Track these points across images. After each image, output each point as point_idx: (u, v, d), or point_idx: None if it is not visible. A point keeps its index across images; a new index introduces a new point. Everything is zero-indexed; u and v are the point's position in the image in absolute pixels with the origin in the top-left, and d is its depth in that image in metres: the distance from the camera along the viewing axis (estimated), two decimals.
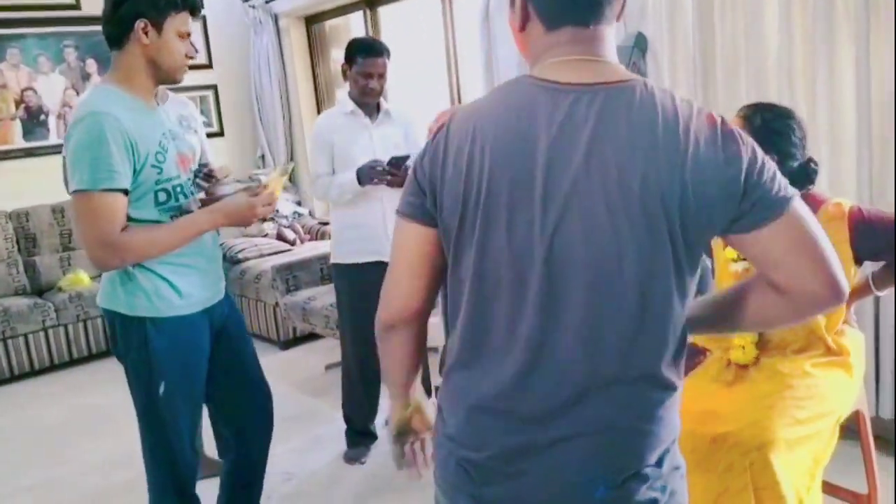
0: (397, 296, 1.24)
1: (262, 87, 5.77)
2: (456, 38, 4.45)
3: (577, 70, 1.08)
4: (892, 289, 2.16)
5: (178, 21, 1.90)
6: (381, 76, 2.98)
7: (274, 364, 4.46)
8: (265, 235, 5.49)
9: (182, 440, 2.13)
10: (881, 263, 2.01)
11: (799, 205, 1.06)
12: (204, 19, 5.67)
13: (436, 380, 3.34)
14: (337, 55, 5.56)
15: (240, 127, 5.94)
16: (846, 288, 1.07)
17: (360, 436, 3.23)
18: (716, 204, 1.03)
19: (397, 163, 2.87)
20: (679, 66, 3.11)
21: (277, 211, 5.72)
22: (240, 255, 5.00)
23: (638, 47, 3.21)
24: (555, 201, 1.05)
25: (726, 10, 2.92)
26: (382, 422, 3.40)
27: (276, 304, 4.53)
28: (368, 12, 5.03)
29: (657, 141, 1.01)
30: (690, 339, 2.25)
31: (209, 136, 5.78)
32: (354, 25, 5.37)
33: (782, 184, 1.06)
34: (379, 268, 3.17)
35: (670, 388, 1.15)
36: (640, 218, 1.02)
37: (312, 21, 5.62)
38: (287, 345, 4.71)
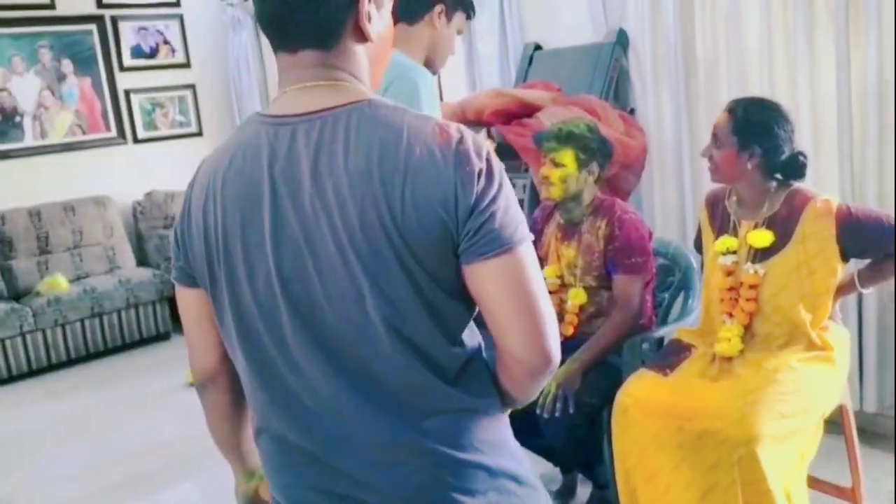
0: (193, 356, 1.18)
1: (242, 87, 5.72)
2: None
3: (300, 98, 1.01)
4: (877, 286, 2.17)
5: (461, 18, 2.06)
6: None
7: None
8: None
9: None
10: (867, 261, 2.01)
11: (526, 252, 0.98)
12: (181, 18, 5.62)
13: None
14: None
15: (219, 127, 5.87)
16: (556, 358, 1.00)
17: None
18: (438, 226, 0.94)
19: None
20: (661, 62, 3.11)
21: None
22: None
23: (619, 44, 3.20)
24: (286, 247, 0.98)
25: (707, 6, 2.93)
26: None
27: None
28: None
29: (372, 166, 0.94)
30: (674, 334, 2.27)
31: (187, 136, 5.76)
32: None
33: (516, 222, 0.97)
34: None
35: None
36: (368, 252, 0.95)
37: None
38: None
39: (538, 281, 0.99)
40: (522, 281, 0.97)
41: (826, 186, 2.66)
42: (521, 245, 0.97)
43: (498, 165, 0.98)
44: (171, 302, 5.08)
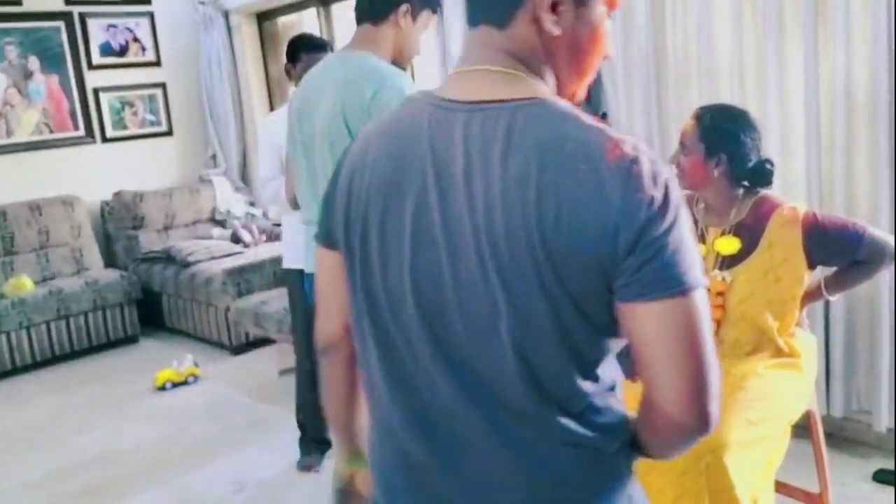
0: (320, 318, 1.15)
1: (213, 86, 5.65)
2: None
3: (471, 83, 0.93)
4: (843, 293, 2.18)
5: (427, 17, 2.07)
6: None
7: (225, 370, 4.38)
8: (216, 238, 5.38)
9: None
10: (833, 268, 2.02)
11: (698, 300, 0.85)
12: (151, 16, 5.55)
13: None
14: (304, 55, 5.46)
15: (189, 126, 5.80)
16: (715, 422, 0.89)
17: (314, 443, 3.16)
18: (591, 256, 0.84)
19: None
20: (632, 66, 3.11)
21: (229, 212, 5.63)
22: (189, 259, 4.87)
23: None
24: (424, 245, 0.92)
25: (678, 12, 2.93)
26: None
27: (228, 308, 4.43)
28: (322, 10, 4.95)
29: (529, 173, 0.85)
30: None
31: (157, 135, 5.69)
32: (307, 23, 5.29)
33: (688, 264, 0.84)
34: None
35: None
36: (509, 265, 0.86)
37: (264, 18, 5.52)
38: (239, 350, 4.61)
39: (707, 333, 0.86)
40: (689, 331, 0.85)
41: (794, 192, 2.68)
42: (694, 291, 0.84)
43: (676, 194, 0.85)
44: (140, 304, 5.04)
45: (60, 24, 5.18)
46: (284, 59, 3.04)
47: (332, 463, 3.09)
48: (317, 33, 5.07)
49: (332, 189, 1.04)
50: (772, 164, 2.00)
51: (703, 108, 2.03)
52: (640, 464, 1.92)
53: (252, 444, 3.38)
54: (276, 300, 4.00)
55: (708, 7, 2.80)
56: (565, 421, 0.92)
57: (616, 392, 0.99)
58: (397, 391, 0.99)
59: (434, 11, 2.11)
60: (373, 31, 2.04)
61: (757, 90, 2.75)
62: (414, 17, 2.03)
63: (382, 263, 0.96)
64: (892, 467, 2.54)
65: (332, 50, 2.97)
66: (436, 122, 0.93)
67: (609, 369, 0.96)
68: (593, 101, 3.27)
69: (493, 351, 0.90)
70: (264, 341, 4.53)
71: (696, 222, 2.08)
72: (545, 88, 0.94)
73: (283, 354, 4.13)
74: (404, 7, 2.00)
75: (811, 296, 2.03)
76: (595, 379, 0.94)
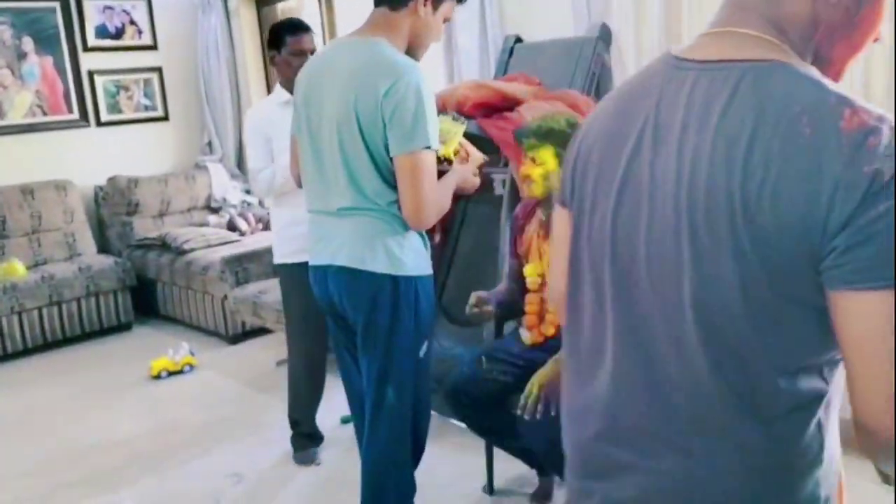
0: (551, 276, 1.18)
1: (210, 70, 5.57)
2: None
3: (712, 44, 0.91)
4: None
5: (449, 7, 2.01)
6: (314, 52, 2.86)
7: (222, 359, 4.33)
8: (212, 225, 5.31)
9: (429, 399, 2.19)
10: None
11: None
12: None
13: None
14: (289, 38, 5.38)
15: (185, 111, 5.72)
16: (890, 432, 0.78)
17: (307, 438, 3.10)
18: (796, 227, 0.77)
19: None
20: (645, 58, 3.06)
21: (225, 199, 5.56)
22: (185, 246, 4.81)
23: (602, 39, 3.15)
24: (629, 195, 0.91)
25: (694, 5, 2.88)
26: (338, 420, 3.30)
27: (225, 297, 4.38)
28: None
29: (743, 132, 0.80)
30: None
31: (153, 120, 5.60)
32: (308, 9, 5.21)
33: None
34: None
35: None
36: (703, 225, 0.82)
37: (263, 3, 5.43)
38: (235, 339, 4.55)
39: None
40: None
41: None
42: None
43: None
44: (134, 291, 4.97)
45: (55, 4, 5.08)
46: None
47: (329, 456, 3.06)
48: (317, 20, 5.00)
49: (570, 147, 1.06)
50: None
51: None
52: None
53: (250, 434, 3.33)
54: (275, 290, 3.91)
55: None
56: (753, 426, 0.85)
57: (824, 407, 0.87)
58: (587, 342, 1.01)
59: (459, 1, 2.04)
60: (390, 16, 1.96)
61: None
62: (435, 5, 1.97)
63: (591, 211, 0.96)
64: None
65: (331, 36, 2.89)
66: (667, 80, 0.91)
67: (821, 378, 0.85)
68: (601, 93, 3.22)
69: (672, 314, 0.86)
70: (261, 331, 4.48)
71: None
72: (794, 55, 0.87)
73: (280, 344, 4.06)
74: None
75: None
76: (800, 381, 0.84)
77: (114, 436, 3.44)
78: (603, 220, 0.94)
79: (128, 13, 5.40)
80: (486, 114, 2.92)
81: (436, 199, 1.94)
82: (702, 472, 0.88)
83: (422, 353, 2.07)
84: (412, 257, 2.00)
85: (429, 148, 1.88)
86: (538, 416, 2.12)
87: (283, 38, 2.83)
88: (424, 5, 1.94)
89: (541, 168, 2.23)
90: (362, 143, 1.91)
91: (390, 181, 1.95)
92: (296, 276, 2.88)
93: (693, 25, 2.89)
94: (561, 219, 1.08)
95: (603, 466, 0.99)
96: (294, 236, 2.86)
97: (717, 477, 0.88)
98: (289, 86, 2.85)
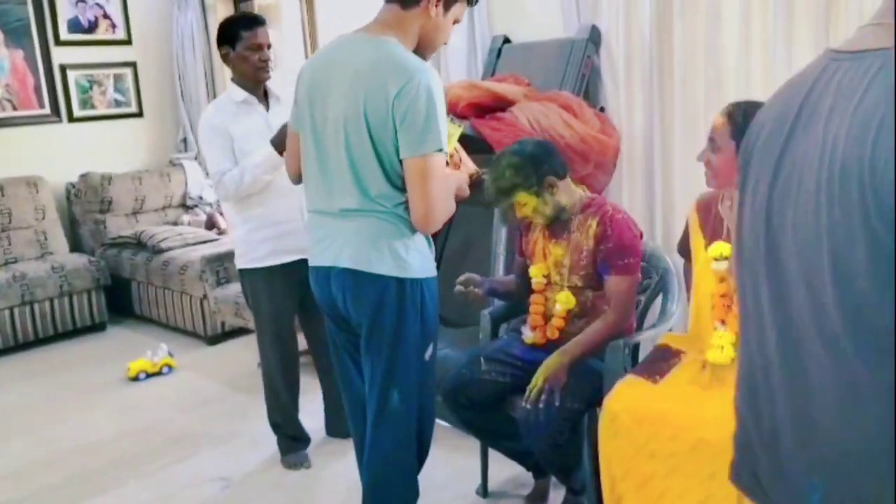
0: None
1: (186, 66, 5.48)
2: None
3: (865, 35, 0.95)
4: None
5: (460, 8, 1.99)
6: (270, 47, 2.81)
7: (201, 360, 4.26)
8: (188, 224, 5.22)
9: (433, 402, 2.17)
10: None
11: None
12: None
13: None
14: (245, 33, 5.30)
15: (160, 107, 5.63)
16: None
17: (292, 440, 3.06)
18: None
19: None
20: (635, 62, 3.08)
21: (201, 198, 5.47)
22: (162, 245, 4.72)
23: (592, 41, 3.16)
24: (782, 175, 0.99)
25: (686, 8, 2.90)
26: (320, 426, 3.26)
27: (205, 296, 4.31)
28: None
29: (873, 117, 0.86)
30: (661, 339, 2.24)
31: (126, 116, 5.49)
32: (287, 5, 5.15)
33: None
34: (304, 266, 2.98)
35: None
36: (838, 208, 0.88)
37: None
38: (215, 340, 4.48)
39: None
40: None
41: None
42: None
43: None
44: (108, 290, 4.86)
45: None
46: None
47: (318, 458, 3.02)
48: (297, 17, 4.95)
49: (748, 131, 1.11)
50: None
51: (733, 104, 2.01)
52: (663, 464, 1.91)
53: (235, 436, 3.28)
54: None
55: (716, 4, 2.78)
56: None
57: None
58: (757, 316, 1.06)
59: (470, 3, 2.02)
60: (401, 14, 1.93)
61: (763, 87, 2.74)
62: (447, 6, 1.94)
63: (753, 189, 1.04)
64: None
65: (312, 33, 2.83)
66: (821, 70, 0.98)
67: None
68: (591, 95, 3.24)
69: (815, 277, 0.92)
70: (241, 331, 4.42)
71: (722, 221, 2.06)
72: None
73: None
74: None
75: None
76: None
77: (94, 438, 3.37)
78: (762, 195, 1.02)
79: (101, 7, 5.29)
80: (478, 114, 2.91)
81: (444, 202, 1.92)
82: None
83: (427, 356, 2.04)
84: (418, 259, 1.97)
85: (440, 150, 1.86)
86: (541, 405, 2.13)
87: (237, 33, 2.75)
88: (436, 6, 1.92)
89: (527, 207, 2.28)
90: (370, 144, 1.88)
91: (397, 183, 1.92)
92: (265, 281, 2.84)
93: (685, 26, 2.91)
94: None
95: None
96: (263, 239, 2.80)
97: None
98: (244, 83, 2.80)
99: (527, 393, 2.18)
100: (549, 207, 2.28)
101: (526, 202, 2.26)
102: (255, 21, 2.81)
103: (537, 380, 2.18)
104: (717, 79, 2.83)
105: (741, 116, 1.93)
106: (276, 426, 3.06)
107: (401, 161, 1.88)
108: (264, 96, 2.87)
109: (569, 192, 2.33)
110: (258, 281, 2.86)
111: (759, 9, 2.71)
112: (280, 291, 2.86)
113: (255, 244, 2.81)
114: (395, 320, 1.96)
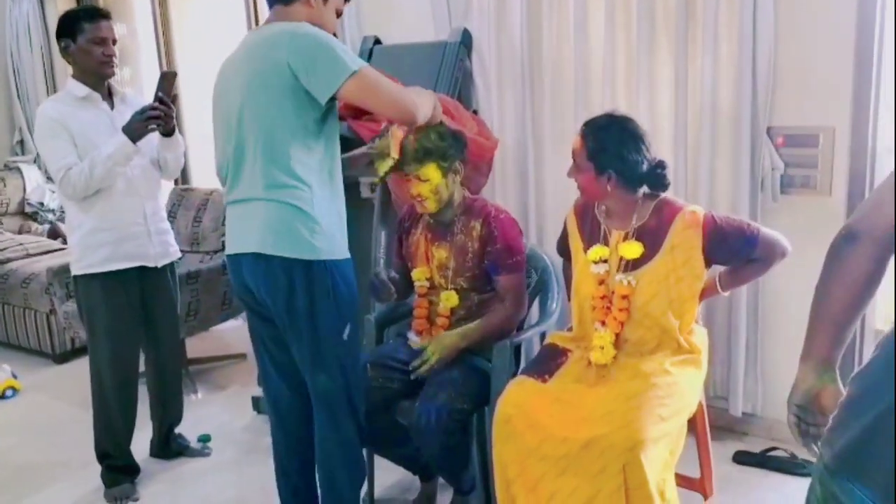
0: (877, 203, 1.17)
1: (22, 60, 5.07)
2: (259, 13, 4.16)
3: None
4: (735, 288, 2.32)
5: (338, 0, 2.08)
6: (115, 42, 2.67)
7: (49, 380, 3.95)
8: (28, 232, 4.81)
9: (361, 378, 2.20)
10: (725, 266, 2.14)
11: None
12: None
13: None
14: (117, 31, 4.98)
15: None
16: None
17: (121, 472, 2.84)
18: None
19: (168, 84, 2.59)
20: (505, 66, 3.13)
21: (42, 204, 5.06)
22: (0, 256, 4.31)
23: (464, 44, 3.18)
24: None
25: (554, 13, 2.98)
26: (195, 438, 3.09)
27: (52, 311, 3.98)
28: None
29: None
30: (549, 338, 2.28)
31: None
32: (138, 1, 4.87)
33: None
34: (142, 274, 2.73)
35: None
36: None
37: None
38: (63, 358, 4.15)
39: None
40: None
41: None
42: None
43: None
44: None
45: None
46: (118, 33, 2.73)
47: (147, 491, 2.83)
48: (148, 11, 4.68)
49: None
50: (663, 168, 2.08)
51: (587, 124, 2.07)
52: (554, 466, 1.93)
53: (91, 463, 3.00)
54: None
55: (583, 13, 2.88)
56: None
57: None
58: None
59: None
60: (284, 10, 2.03)
61: (628, 96, 2.86)
62: None
63: None
64: (748, 449, 2.76)
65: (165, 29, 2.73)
66: None
67: None
68: (463, 98, 3.26)
69: None
70: None
71: (598, 225, 2.12)
72: None
73: None
74: None
75: (707, 292, 2.14)
76: None
77: None
78: None
79: None
80: (355, 115, 2.85)
81: (408, 94, 2.00)
82: None
83: (345, 336, 2.06)
84: (324, 242, 1.98)
85: (355, 72, 1.88)
86: (433, 411, 2.13)
87: (79, 26, 2.58)
88: None
89: (427, 184, 2.24)
90: (276, 111, 1.91)
91: (309, 150, 1.95)
92: (103, 288, 2.66)
93: (552, 29, 2.99)
94: None
95: None
96: (101, 242, 2.62)
97: None
98: (86, 78, 2.63)
99: (417, 363, 2.25)
100: (445, 192, 2.27)
101: (430, 177, 2.24)
102: (98, 14, 2.66)
103: (431, 355, 2.24)
104: (584, 83, 2.93)
105: (592, 140, 2.01)
106: (103, 456, 2.83)
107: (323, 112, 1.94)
108: (108, 94, 2.69)
109: (459, 190, 2.34)
110: (94, 289, 2.67)
111: (623, 17, 2.83)
112: (119, 303, 2.68)
113: (93, 248, 2.63)
114: (307, 303, 1.99)
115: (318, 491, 2.21)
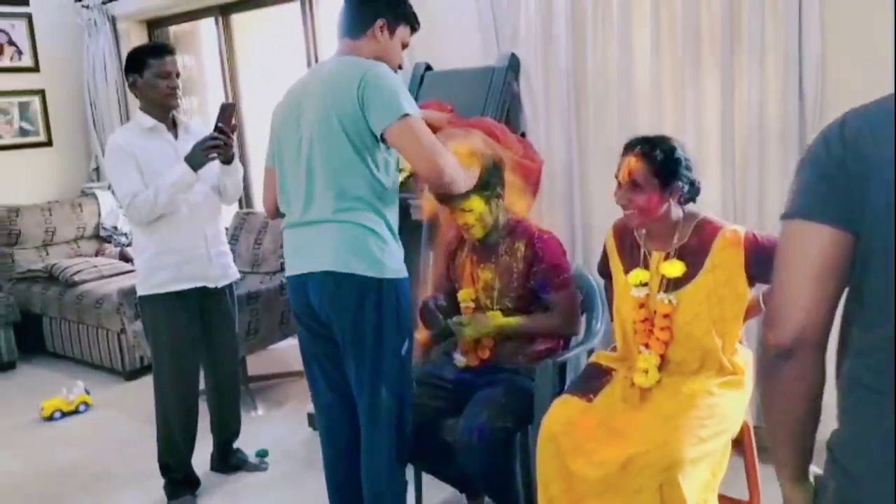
0: (797, 308, 1.04)
1: (98, 94, 5.33)
2: (318, 47, 4.32)
3: None
4: None
5: (405, 32, 2.18)
6: (178, 75, 2.82)
7: (119, 397, 4.13)
8: (103, 255, 5.06)
9: (413, 394, 2.27)
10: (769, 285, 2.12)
11: None
12: (29, 18, 5.18)
13: None
14: (185, 62, 5.23)
15: (70, 136, 5.45)
16: None
17: (182, 485, 2.97)
18: None
19: (227, 114, 2.71)
20: (552, 88, 3.18)
21: (116, 228, 5.31)
22: (76, 278, 4.55)
23: (511, 68, 3.24)
24: None
25: (598, 36, 3.02)
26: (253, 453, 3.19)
27: (122, 330, 4.17)
28: (221, 19, 4.78)
29: None
30: (594, 357, 2.30)
31: (34, 145, 5.29)
32: (204, 32, 5.09)
33: None
34: (203, 295, 2.82)
35: None
36: None
37: (156, 25, 5.26)
38: (133, 375, 4.34)
39: None
40: None
41: (710, 211, 2.80)
42: None
43: None
44: (17, 328, 4.65)
45: None
46: (187, 67, 2.91)
47: (206, 503, 2.95)
48: (214, 44, 4.89)
49: (859, 162, 1.01)
50: (698, 183, 2.09)
51: (642, 142, 2.04)
52: (594, 486, 1.95)
53: (154, 475, 3.13)
54: None
55: (628, 31, 2.91)
56: None
57: None
58: None
59: (412, 28, 2.20)
60: (352, 44, 2.13)
61: (674, 114, 2.87)
62: (391, 31, 2.12)
63: None
64: None
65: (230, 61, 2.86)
66: None
67: None
68: (511, 121, 3.32)
69: None
70: None
71: (638, 247, 2.14)
72: None
73: None
74: (380, 22, 2.09)
75: (751, 312, 2.12)
76: None
77: (4, 481, 3.20)
78: None
79: (6, 33, 5.10)
80: None
81: (445, 154, 2.05)
82: None
83: (404, 352, 2.15)
84: (392, 261, 2.09)
85: (407, 115, 1.96)
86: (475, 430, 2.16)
87: (145, 61, 2.75)
88: (381, 31, 2.10)
89: (472, 214, 2.30)
90: (346, 141, 2.01)
91: (379, 177, 2.05)
92: (166, 308, 2.80)
93: (597, 51, 3.03)
94: (826, 241, 1.04)
95: None
96: (165, 265, 2.77)
97: None
98: (152, 110, 2.79)
99: (458, 341, 2.37)
100: (490, 218, 2.33)
101: (474, 207, 2.30)
102: (163, 49, 2.83)
103: (465, 330, 2.33)
104: (629, 104, 2.95)
105: (660, 153, 2.00)
106: (165, 468, 2.96)
107: (382, 142, 2.01)
108: (173, 125, 2.85)
109: (504, 212, 2.39)
110: (158, 309, 2.81)
111: (668, 37, 2.85)
112: (181, 322, 2.82)
113: (157, 270, 2.78)
114: (375, 320, 2.07)
115: None
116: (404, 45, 2.20)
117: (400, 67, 2.22)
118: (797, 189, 1.09)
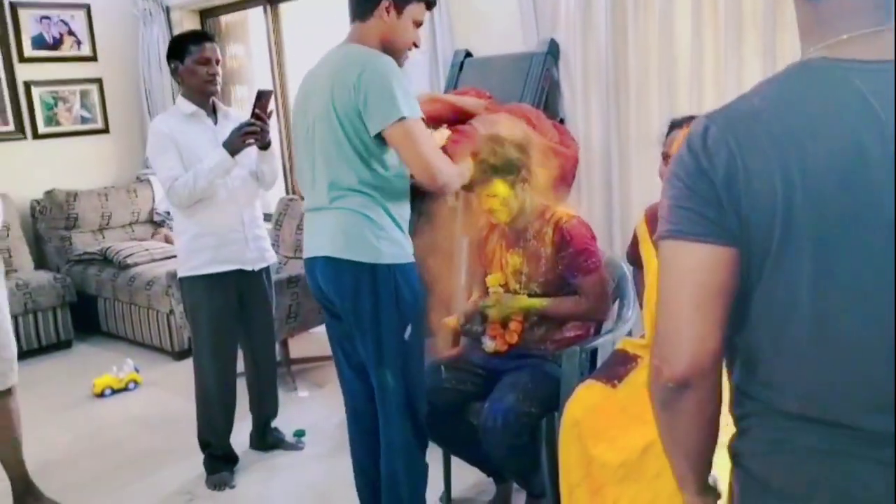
0: (687, 339, 0.96)
1: (152, 82, 5.47)
2: None
3: (873, 44, 0.92)
4: None
5: (416, 10, 2.12)
6: (219, 62, 2.87)
7: (168, 376, 4.25)
8: (154, 238, 5.21)
9: (423, 379, 2.27)
10: None
11: None
12: (88, 9, 5.34)
13: None
14: (234, 51, 5.34)
15: (126, 124, 5.60)
16: None
17: (221, 461, 3.05)
18: None
19: (264, 101, 2.76)
20: (591, 74, 3.14)
21: (168, 213, 5.45)
22: (129, 261, 4.70)
23: (551, 54, 3.22)
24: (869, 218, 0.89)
25: (639, 19, 2.97)
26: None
27: (171, 311, 4.29)
28: (269, 8, 4.86)
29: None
30: (619, 344, 2.28)
31: (92, 132, 5.47)
32: (253, 21, 5.18)
33: None
34: (240, 277, 2.89)
35: None
36: None
37: (208, 15, 5.38)
38: (181, 355, 4.46)
39: None
40: None
41: None
42: None
43: None
44: (73, 308, 4.83)
45: None
46: (237, 56, 2.98)
47: (243, 479, 3.02)
48: (263, 33, 4.98)
49: (727, 171, 0.93)
50: None
51: (689, 119, 2.03)
52: (615, 472, 1.94)
53: (199, 451, 3.25)
54: None
55: (669, 15, 2.86)
56: None
57: None
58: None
59: (428, 6, 2.17)
60: (360, 26, 2.13)
61: (716, 99, 2.81)
62: (399, 10, 2.10)
63: (853, 253, 0.89)
64: None
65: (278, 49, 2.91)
66: (865, 81, 0.91)
67: None
68: (550, 107, 3.30)
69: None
70: None
71: None
72: None
73: None
74: (385, 2, 2.08)
75: None
76: None
77: (58, 456, 3.34)
78: (882, 258, 0.89)
79: (66, 23, 5.27)
80: (438, 127, 2.95)
81: (441, 157, 2.08)
82: None
83: (407, 336, 2.15)
84: (388, 247, 2.10)
85: (404, 118, 1.97)
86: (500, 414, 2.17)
87: (186, 48, 2.82)
88: (388, 12, 2.09)
89: (497, 199, 2.30)
90: (341, 132, 2.03)
91: (375, 167, 2.06)
92: (205, 289, 2.87)
93: (638, 39, 2.98)
94: (710, 259, 0.95)
95: None
96: (203, 247, 2.84)
97: None
98: (192, 96, 2.86)
99: (478, 318, 2.40)
100: (515, 203, 2.32)
101: (497, 192, 2.30)
102: (203, 36, 2.91)
103: (492, 313, 2.35)
104: (669, 90, 2.90)
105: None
106: (205, 445, 3.05)
107: (380, 141, 2.02)
108: (213, 111, 2.91)
109: (531, 196, 2.38)
110: (198, 290, 2.88)
111: (710, 21, 2.79)
112: (220, 303, 2.89)
113: (197, 252, 2.85)
114: (371, 304, 2.10)
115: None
116: (418, 24, 2.17)
117: (415, 46, 2.20)
118: (667, 206, 0.99)
